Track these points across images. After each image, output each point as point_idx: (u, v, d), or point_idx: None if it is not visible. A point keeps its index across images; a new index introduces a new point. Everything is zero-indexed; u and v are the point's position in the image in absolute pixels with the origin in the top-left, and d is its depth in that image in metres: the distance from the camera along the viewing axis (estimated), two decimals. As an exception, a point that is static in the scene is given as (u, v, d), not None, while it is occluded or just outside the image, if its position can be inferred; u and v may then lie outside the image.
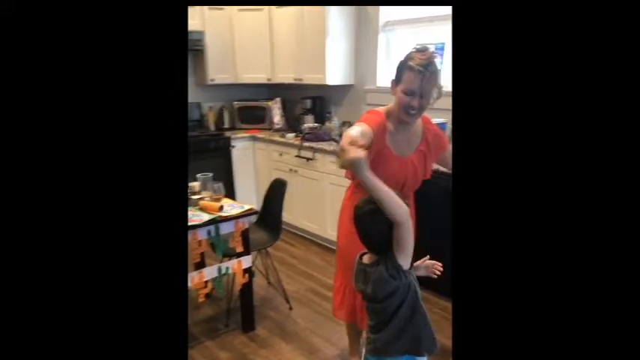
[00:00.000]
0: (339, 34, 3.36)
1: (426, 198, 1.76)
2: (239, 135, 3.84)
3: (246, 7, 3.74)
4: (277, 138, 3.64)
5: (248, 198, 3.66)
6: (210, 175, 2.33)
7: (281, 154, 3.60)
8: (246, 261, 2.22)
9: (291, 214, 3.48)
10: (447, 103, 1.55)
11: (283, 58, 3.74)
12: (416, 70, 1.41)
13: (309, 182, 3.36)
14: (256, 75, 3.90)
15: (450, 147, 1.72)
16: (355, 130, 1.42)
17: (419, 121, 1.62)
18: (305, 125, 3.58)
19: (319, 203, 3.23)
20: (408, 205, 1.18)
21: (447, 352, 1.79)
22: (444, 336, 1.28)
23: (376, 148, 1.52)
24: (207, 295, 2.44)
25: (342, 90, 3.65)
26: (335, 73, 3.42)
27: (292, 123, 3.94)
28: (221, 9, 3.72)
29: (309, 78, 3.54)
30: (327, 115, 3.79)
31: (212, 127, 4.01)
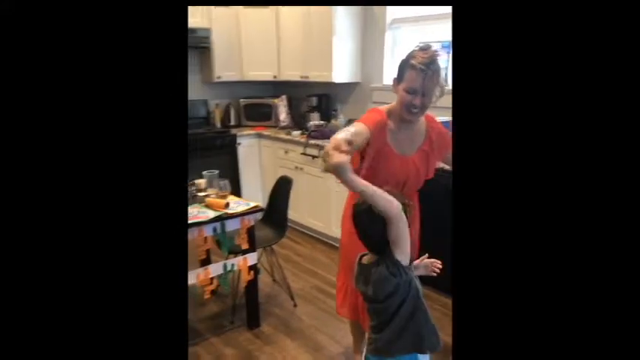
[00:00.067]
0: (346, 31, 3.35)
1: (426, 196, 1.76)
2: (245, 132, 3.85)
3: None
4: (283, 135, 3.65)
5: (254, 195, 3.67)
6: (216, 172, 2.34)
7: (287, 152, 3.60)
8: (251, 258, 2.23)
9: (297, 211, 3.49)
10: (450, 101, 1.54)
11: (289, 55, 3.74)
12: (418, 68, 1.41)
13: (314, 180, 3.36)
14: (262, 72, 3.90)
15: None
16: (343, 134, 1.39)
17: (423, 120, 1.61)
18: (311, 123, 3.58)
19: (325, 201, 3.23)
20: (407, 204, 1.18)
21: (448, 350, 1.79)
22: (444, 333, 1.28)
23: (376, 146, 1.51)
24: (213, 292, 2.45)
25: (348, 88, 3.64)
26: (341, 70, 3.41)
27: (298, 120, 3.94)
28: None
29: (316, 75, 3.53)
30: (333, 112, 3.79)
31: (218, 125, 4.03)
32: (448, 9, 2.79)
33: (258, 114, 4.06)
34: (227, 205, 2.12)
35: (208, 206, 2.14)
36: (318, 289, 2.78)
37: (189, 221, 1.97)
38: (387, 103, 1.61)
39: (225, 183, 2.26)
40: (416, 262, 1.36)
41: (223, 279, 2.18)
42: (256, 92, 4.19)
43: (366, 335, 1.34)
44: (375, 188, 1.15)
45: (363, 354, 1.33)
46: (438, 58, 1.43)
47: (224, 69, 3.81)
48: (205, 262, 2.49)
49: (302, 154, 3.40)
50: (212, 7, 3.65)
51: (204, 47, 3.72)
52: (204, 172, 2.35)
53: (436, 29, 2.92)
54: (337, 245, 2.50)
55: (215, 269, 2.15)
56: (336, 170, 1.18)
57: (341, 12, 3.28)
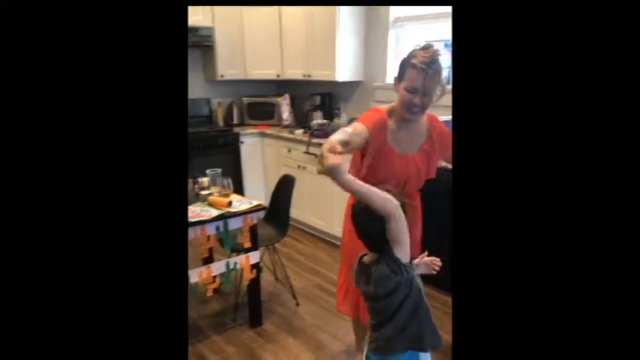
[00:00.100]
0: (349, 30, 3.35)
1: (426, 195, 1.76)
2: (248, 131, 3.86)
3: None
4: (286, 134, 3.65)
5: (256, 194, 3.68)
6: (219, 170, 2.34)
7: (289, 150, 3.60)
8: (254, 256, 2.23)
9: (299, 210, 3.49)
10: (450, 100, 1.54)
11: (293, 54, 3.74)
12: (418, 67, 1.40)
13: (317, 179, 3.36)
14: (265, 71, 3.90)
15: None
16: (339, 135, 1.39)
17: (424, 120, 1.60)
18: (314, 121, 3.59)
19: (327, 200, 3.23)
20: (406, 203, 1.17)
21: (448, 348, 1.79)
22: (444, 331, 1.28)
23: (375, 146, 1.51)
24: (216, 290, 2.46)
25: (351, 86, 3.64)
26: (344, 69, 3.41)
27: (301, 119, 3.94)
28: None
29: (319, 74, 3.53)
30: (336, 111, 3.79)
31: (221, 123, 4.03)
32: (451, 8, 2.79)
33: (261, 113, 4.07)
34: (230, 204, 2.13)
35: (211, 204, 2.14)
36: (320, 287, 2.78)
37: (193, 219, 1.98)
38: (390, 102, 1.61)
39: (228, 181, 2.27)
40: (416, 260, 1.36)
41: (226, 277, 2.18)
42: (259, 91, 4.19)
43: (368, 334, 1.34)
44: (370, 187, 1.15)
45: (364, 353, 1.33)
46: (440, 57, 1.43)
47: (227, 67, 3.82)
48: (208, 260, 2.50)
49: (305, 152, 3.40)
50: (215, 6, 3.66)
51: (207, 46, 3.72)
52: (207, 171, 2.36)
53: (439, 28, 2.91)
54: (339, 244, 2.51)
55: (218, 267, 2.15)
56: (331, 172, 1.18)
57: (344, 11, 3.28)
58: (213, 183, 2.32)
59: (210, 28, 3.66)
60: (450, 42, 2.70)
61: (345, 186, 1.18)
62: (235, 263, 2.19)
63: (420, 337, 1.21)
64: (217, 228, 2.07)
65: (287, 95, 4.00)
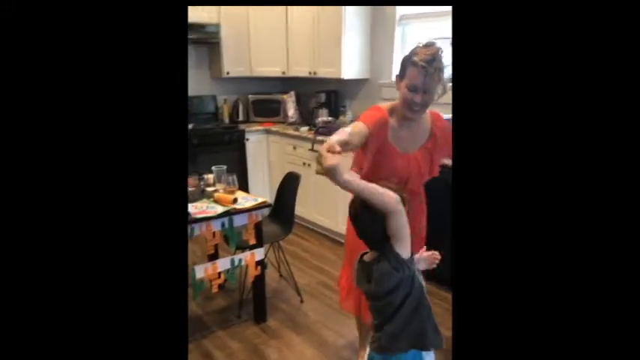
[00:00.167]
0: (355, 28, 3.34)
1: (427, 191, 1.76)
2: (253, 128, 3.86)
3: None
4: (291, 131, 3.65)
5: (261, 191, 3.69)
6: (225, 167, 2.35)
7: (295, 148, 3.61)
8: (258, 253, 2.24)
9: (304, 207, 3.50)
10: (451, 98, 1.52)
11: (298, 51, 3.74)
12: (419, 65, 1.39)
13: (322, 176, 3.36)
14: (271, 68, 3.91)
15: None
16: (338, 135, 1.39)
17: (427, 117, 1.59)
18: (319, 119, 3.59)
19: (332, 197, 3.23)
20: (404, 198, 1.16)
21: (448, 344, 1.78)
22: (444, 327, 1.27)
23: (376, 144, 1.51)
24: (221, 286, 2.47)
25: (357, 84, 3.63)
26: (350, 67, 3.40)
27: (306, 116, 3.95)
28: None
29: (324, 72, 3.53)
30: (342, 109, 3.78)
31: (227, 120, 4.04)
32: (458, 5, 2.77)
33: (267, 110, 4.08)
34: (235, 201, 2.14)
35: (217, 201, 2.15)
36: (324, 285, 2.79)
37: (198, 216, 1.99)
38: (396, 100, 1.61)
39: (234, 178, 2.28)
40: (416, 256, 1.36)
41: (231, 274, 2.20)
42: (265, 88, 4.20)
43: (370, 334, 1.33)
44: (369, 184, 1.15)
45: (367, 353, 1.33)
46: (442, 55, 1.42)
47: (233, 64, 3.82)
48: (213, 256, 2.51)
49: (310, 150, 3.40)
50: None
51: (213, 43, 3.73)
52: (212, 168, 2.37)
53: (445, 25, 2.90)
54: (344, 242, 2.52)
55: (223, 264, 2.17)
56: (329, 173, 1.17)
57: (350, 8, 3.27)
58: (218, 180, 2.33)
59: (217, 25, 3.66)
60: (456, 40, 2.69)
61: (344, 186, 1.18)
62: (240, 260, 2.20)
63: (422, 334, 1.20)
64: (223, 225, 2.08)
65: (292, 92, 4.00)
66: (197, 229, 2.00)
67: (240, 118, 4.09)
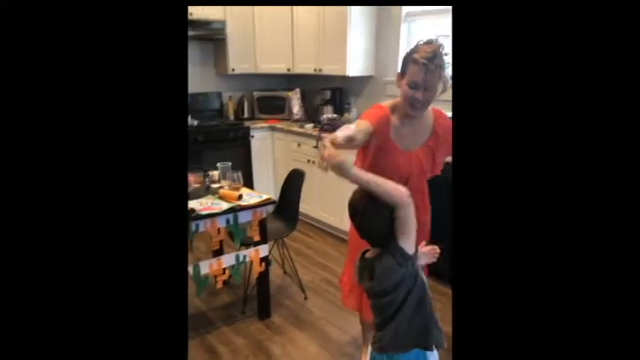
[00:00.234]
0: (361, 25, 3.34)
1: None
2: (258, 125, 3.87)
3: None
4: (296, 128, 3.66)
5: (266, 188, 3.70)
6: (230, 164, 2.36)
7: (299, 145, 3.61)
8: (263, 250, 2.26)
9: (309, 205, 3.51)
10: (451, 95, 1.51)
11: (304, 48, 3.73)
12: (420, 62, 1.39)
13: (326, 173, 3.36)
14: (276, 65, 3.91)
15: None
16: (342, 132, 1.39)
17: (429, 115, 1.59)
18: (324, 116, 3.59)
19: (336, 195, 3.24)
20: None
21: (447, 339, 1.79)
22: (444, 322, 1.26)
23: (378, 142, 1.51)
24: (225, 282, 2.49)
25: (362, 81, 3.63)
26: (355, 64, 3.40)
27: (311, 113, 3.95)
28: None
29: (329, 69, 3.53)
30: (347, 106, 3.78)
31: (232, 117, 4.05)
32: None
33: (272, 107, 4.08)
34: (240, 197, 2.14)
35: (222, 198, 2.17)
36: (328, 282, 2.80)
37: (203, 212, 2.00)
38: (398, 97, 1.61)
39: (239, 175, 2.29)
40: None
41: (235, 270, 2.21)
42: (270, 85, 4.20)
43: (372, 334, 1.32)
44: (381, 179, 1.15)
45: (369, 353, 1.32)
46: (443, 52, 1.41)
47: (238, 61, 3.83)
48: (218, 252, 2.53)
49: (314, 147, 3.41)
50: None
51: (218, 39, 3.73)
52: (217, 164, 2.38)
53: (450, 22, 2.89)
54: (347, 239, 2.53)
55: (227, 260, 2.18)
56: (339, 168, 1.17)
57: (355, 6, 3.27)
58: (223, 176, 2.34)
59: (222, 22, 3.66)
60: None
61: (353, 179, 1.17)
62: (245, 256, 2.21)
63: (425, 331, 1.19)
64: (227, 221, 2.09)
65: (298, 89, 4.00)
66: (202, 226, 2.01)
67: (245, 115, 4.10)
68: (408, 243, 1.15)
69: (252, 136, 3.81)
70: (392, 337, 1.19)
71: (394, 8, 3.28)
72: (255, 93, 4.10)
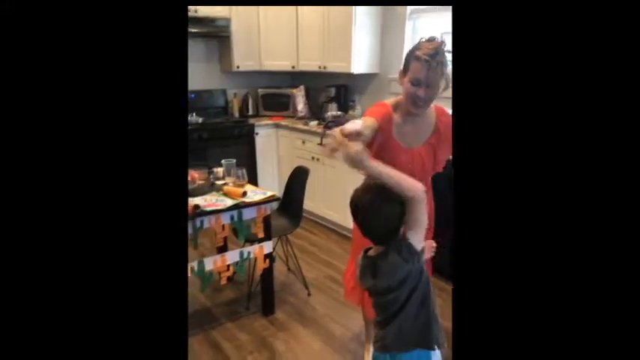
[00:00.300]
0: (365, 22, 3.33)
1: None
2: (263, 122, 3.88)
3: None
4: (300, 126, 3.66)
5: (270, 185, 3.71)
6: (234, 161, 2.37)
7: (304, 142, 3.62)
8: (267, 246, 2.26)
9: (313, 202, 3.51)
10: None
11: (308, 45, 3.73)
12: (422, 59, 1.39)
13: (331, 171, 3.37)
14: (281, 62, 3.91)
15: None
16: (351, 125, 1.38)
17: (432, 112, 1.59)
18: (328, 113, 3.59)
19: (341, 192, 3.24)
20: None
21: (447, 334, 1.78)
22: (444, 318, 1.26)
23: (381, 139, 1.51)
24: (229, 279, 2.50)
25: (366, 78, 3.62)
26: (360, 61, 3.39)
27: (316, 111, 3.95)
28: (248, -4, 3.73)
29: (334, 66, 3.52)
30: (351, 103, 3.78)
31: (236, 114, 4.06)
32: None
33: (276, 104, 4.08)
34: (244, 194, 2.15)
35: (226, 194, 2.17)
36: (331, 279, 2.80)
37: (208, 208, 2.01)
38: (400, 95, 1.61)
39: (243, 172, 2.29)
40: None
41: (240, 266, 2.22)
42: (274, 82, 4.20)
43: (373, 333, 1.30)
44: (397, 172, 1.14)
45: (371, 354, 1.29)
46: (445, 49, 1.41)
47: (243, 58, 3.83)
48: (222, 249, 2.54)
49: (319, 144, 3.41)
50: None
51: (223, 36, 3.74)
52: (222, 161, 2.39)
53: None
54: (351, 236, 2.54)
55: (232, 256, 2.19)
56: (354, 159, 1.16)
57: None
58: (228, 173, 2.35)
59: (227, 19, 3.67)
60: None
61: (369, 171, 1.17)
62: (249, 253, 2.22)
63: (428, 329, 1.18)
64: (232, 218, 2.10)
65: (302, 87, 4.00)
66: (207, 222, 2.02)
67: (250, 112, 4.11)
68: (417, 238, 1.14)
69: (257, 133, 3.82)
70: (395, 335, 1.18)
71: (400, 7, 3.26)
72: (259, 90, 4.10)
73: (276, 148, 3.97)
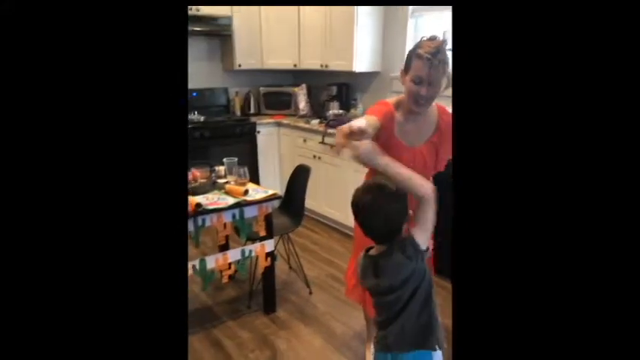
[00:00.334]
0: (367, 21, 3.32)
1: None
2: (264, 120, 3.88)
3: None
4: (302, 124, 3.66)
5: (272, 183, 3.71)
6: (236, 159, 2.37)
7: (305, 141, 3.62)
8: (268, 245, 2.27)
9: (314, 200, 3.51)
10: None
11: (310, 44, 3.73)
12: (424, 57, 1.39)
13: (332, 169, 3.37)
14: (283, 61, 3.91)
15: None
16: (356, 123, 1.39)
17: (434, 111, 1.59)
18: (330, 112, 3.59)
19: (342, 190, 3.24)
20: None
21: (447, 331, 1.78)
22: (444, 315, 1.25)
23: (383, 138, 1.51)
24: (231, 277, 2.51)
25: (368, 77, 3.62)
26: (362, 59, 3.39)
27: (317, 109, 3.95)
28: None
29: (336, 64, 3.52)
30: (353, 102, 3.78)
31: (238, 113, 4.07)
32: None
33: (278, 102, 4.08)
34: (246, 192, 2.15)
35: (228, 193, 2.18)
36: (333, 277, 2.81)
37: (209, 207, 2.01)
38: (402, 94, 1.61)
39: (245, 170, 2.30)
40: None
41: (241, 264, 2.22)
42: (276, 81, 4.20)
43: (374, 334, 1.29)
44: (408, 170, 1.14)
45: (373, 354, 1.28)
46: (447, 48, 1.41)
47: (245, 57, 3.83)
48: (224, 247, 2.55)
49: (320, 143, 3.41)
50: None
51: (225, 35, 3.74)
52: (224, 160, 2.39)
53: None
54: (353, 235, 2.55)
55: (233, 255, 2.19)
56: (367, 156, 1.16)
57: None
58: (229, 172, 2.35)
59: (229, 18, 3.67)
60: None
61: (382, 168, 1.17)
62: (250, 251, 2.23)
63: (429, 328, 1.18)
64: (233, 216, 2.11)
65: (304, 85, 4.00)
66: (208, 220, 2.02)
67: (252, 110, 4.11)
68: (422, 237, 1.14)
69: (259, 132, 3.82)
70: (398, 335, 1.17)
71: (402, 6, 3.26)
72: (261, 88, 4.11)
73: (277, 146, 3.97)
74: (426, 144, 1.59)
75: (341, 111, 3.61)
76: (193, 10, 3.43)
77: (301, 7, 3.71)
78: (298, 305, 2.50)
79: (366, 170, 1.82)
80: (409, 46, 3.25)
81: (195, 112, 3.68)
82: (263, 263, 2.28)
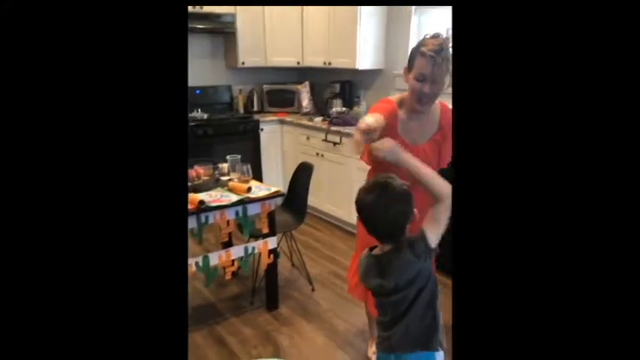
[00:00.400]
0: (371, 18, 3.32)
1: None
2: (267, 118, 3.88)
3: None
4: (305, 122, 3.66)
5: (275, 180, 3.72)
6: (239, 157, 2.38)
7: (308, 138, 3.62)
8: (271, 242, 2.28)
9: (317, 198, 3.52)
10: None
11: (313, 41, 3.73)
12: (427, 55, 1.39)
13: (335, 167, 3.37)
14: (286, 58, 3.91)
15: None
16: (368, 118, 1.39)
17: (436, 109, 1.59)
18: (333, 109, 3.59)
19: (345, 188, 3.25)
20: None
21: (447, 328, 1.78)
22: (444, 312, 1.24)
23: (386, 136, 1.51)
24: (234, 274, 2.52)
25: (371, 74, 3.62)
26: (365, 57, 3.39)
27: (321, 107, 3.95)
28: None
29: (339, 62, 3.52)
30: (356, 99, 3.78)
31: (241, 110, 4.07)
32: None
33: (281, 100, 4.09)
34: (249, 190, 2.16)
35: (231, 190, 2.19)
36: (335, 274, 2.82)
37: (213, 204, 2.02)
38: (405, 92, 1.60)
39: (248, 168, 2.30)
40: None
41: (244, 261, 2.23)
42: (279, 78, 4.20)
43: (376, 334, 1.28)
44: (429, 170, 1.18)
45: (375, 355, 1.28)
46: (450, 46, 1.41)
47: (248, 54, 3.83)
48: (227, 244, 2.55)
49: (323, 140, 3.41)
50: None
51: (229, 32, 3.74)
52: (227, 157, 2.40)
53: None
54: (355, 232, 2.55)
55: (237, 252, 2.20)
56: (393, 153, 1.20)
57: (366, -2, 3.25)
58: (232, 169, 2.36)
59: (232, 15, 3.67)
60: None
61: (403, 163, 1.21)
62: (253, 248, 2.24)
63: (433, 329, 1.17)
64: (236, 213, 2.11)
65: (307, 83, 4.00)
66: (211, 218, 2.03)
67: (255, 108, 4.11)
68: (433, 236, 1.13)
69: (262, 129, 3.82)
70: (402, 335, 1.16)
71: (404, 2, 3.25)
72: (264, 86, 4.11)
73: (280, 144, 3.97)
74: (429, 142, 1.59)
75: (344, 108, 3.61)
76: (197, 7, 3.43)
77: (305, 9, 3.71)
78: (301, 302, 2.51)
79: (368, 168, 1.82)
80: (412, 43, 3.24)
81: (199, 110, 3.69)
82: (266, 260, 2.29)
